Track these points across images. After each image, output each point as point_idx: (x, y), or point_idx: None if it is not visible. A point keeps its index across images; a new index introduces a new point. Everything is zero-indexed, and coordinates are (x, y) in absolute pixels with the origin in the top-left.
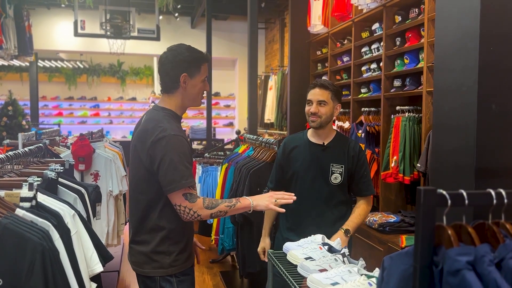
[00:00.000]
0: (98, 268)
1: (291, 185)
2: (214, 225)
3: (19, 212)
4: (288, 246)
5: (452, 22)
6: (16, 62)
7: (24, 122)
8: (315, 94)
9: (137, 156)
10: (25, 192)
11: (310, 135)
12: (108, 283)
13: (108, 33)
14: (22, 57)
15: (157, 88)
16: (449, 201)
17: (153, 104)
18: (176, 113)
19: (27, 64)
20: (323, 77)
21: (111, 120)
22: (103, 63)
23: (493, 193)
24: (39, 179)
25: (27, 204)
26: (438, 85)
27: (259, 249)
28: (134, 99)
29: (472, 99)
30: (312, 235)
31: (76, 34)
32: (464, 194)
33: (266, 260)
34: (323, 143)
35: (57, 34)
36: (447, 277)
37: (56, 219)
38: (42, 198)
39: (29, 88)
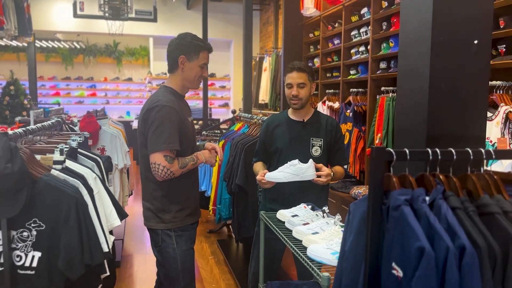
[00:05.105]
0: (116, 222)
1: (274, 158)
2: (212, 197)
3: (54, 172)
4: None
5: (412, 12)
6: (15, 43)
7: (26, 102)
8: (293, 77)
9: (139, 124)
10: (57, 156)
11: (291, 113)
12: (114, 250)
13: (107, 14)
14: (22, 38)
15: (153, 68)
16: (395, 156)
17: (149, 84)
18: (175, 90)
19: (25, 44)
20: (315, 59)
21: (107, 100)
22: (99, 44)
23: (430, 151)
24: (67, 146)
25: (58, 167)
26: (401, 68)
27: (258, 176)
28: (130, 79)
29: (425, 80)
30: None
31: (76, 15)
32: (407, 151)
33: (264, 180)
34: (303, 119)
35: (55, 15)
36: (391, 212)
37: (81, 180)
38: (68, 163)
39: (27, 68)
